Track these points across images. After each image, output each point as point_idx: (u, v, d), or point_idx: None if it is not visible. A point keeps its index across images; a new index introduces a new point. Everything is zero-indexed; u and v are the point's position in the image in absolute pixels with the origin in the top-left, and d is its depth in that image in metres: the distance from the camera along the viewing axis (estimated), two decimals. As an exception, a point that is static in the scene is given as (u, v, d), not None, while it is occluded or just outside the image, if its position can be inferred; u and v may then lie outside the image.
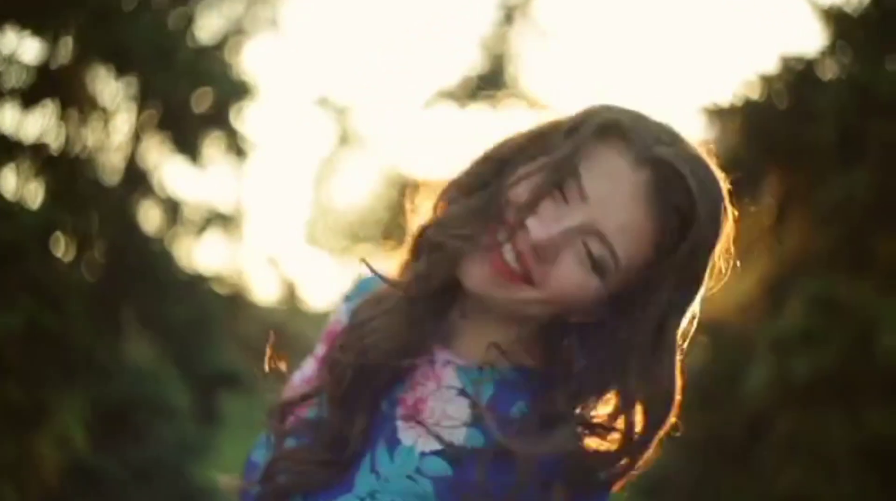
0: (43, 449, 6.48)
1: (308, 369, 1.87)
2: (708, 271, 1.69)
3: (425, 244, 1.72)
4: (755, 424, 7.64)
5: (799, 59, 8.24)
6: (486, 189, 1.70)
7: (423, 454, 1.65)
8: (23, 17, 7.57)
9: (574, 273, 1.64)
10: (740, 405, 7.64)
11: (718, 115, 8.15)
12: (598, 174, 1.65)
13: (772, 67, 8.26)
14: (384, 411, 1.70)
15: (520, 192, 1.66)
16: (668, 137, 1.70)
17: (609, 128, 1.67)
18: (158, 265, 9.54)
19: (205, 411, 9.47)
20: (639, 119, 1.69)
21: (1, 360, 6.39)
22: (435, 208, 1.75)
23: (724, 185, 1.71)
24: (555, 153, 1.67)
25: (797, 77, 8.19)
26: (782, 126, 7.95)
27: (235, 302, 11.64)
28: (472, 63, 22.38)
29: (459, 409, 1.67)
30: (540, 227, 1.64)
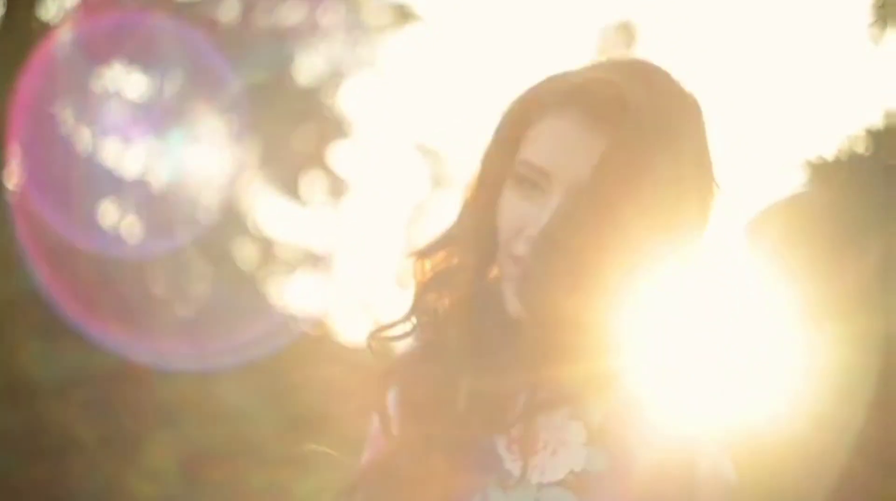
0: (135, 482, 6.64)
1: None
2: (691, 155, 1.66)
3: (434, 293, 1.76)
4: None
5: (908, 114, 8.24)
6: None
7: (541, 485, 1.65)
8: (129, 53, 7.82)
9: (591, 230, 1.62)
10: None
11: (822, 168, 8.18)
12: (540, 146, 1.66)
13: (878, 120, 8.27)
14: (486, 448, 1.69)
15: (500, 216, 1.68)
16: (576, 68, 1.71)
17: (525, 105, 1.71)
18: (252, 304, 9.72)
19: (295, 452, 9.58)
20: (543, 79, 1.72)
21: (95, 394, 6.57)
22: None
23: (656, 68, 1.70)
24: (495, 160, 1.71)
25: (906, 131, 8.19)
26: (889, 181, 7.95)
27: (324, 342, 11.76)
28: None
29: (574, 432, 1.66)
30: (533, 226, 1.64)
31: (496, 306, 1.69)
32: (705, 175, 1.70)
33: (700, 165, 1.69)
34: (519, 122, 1.71)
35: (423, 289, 1.77)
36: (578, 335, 1.65)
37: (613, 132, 1.62)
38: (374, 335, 1.81)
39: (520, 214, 1.67)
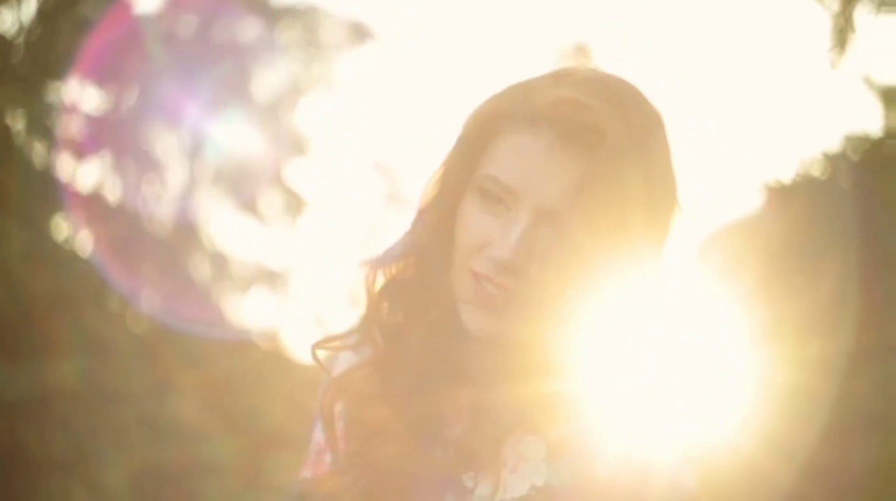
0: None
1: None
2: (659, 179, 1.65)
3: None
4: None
5: (865, 139, 8.30)
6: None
7: None
8: (86, 66, 7.83)
9: (556, 256, 1.61)
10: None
11: (779, 192, 8.23)
12: (507, 162, 1.62)
13: (836, 145, 8.34)
14: (442, 464, 1.67)
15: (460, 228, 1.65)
16: (544, 80, 1.67)
17: (490, 116, 1.66)
18: (207, 320, 9.72)
19: (252, 470, 9.60)
20: (510, 89, 1.68)
21: (48, 412, 6.55)
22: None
23: (623, 84, 1.67)
24: (456, 170, 1.67)
25: (863, 156, 8.25)
26: (846, 206, 8.01)
27: (279, 360, 11.76)
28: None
29: (533, 448, 1.66)
30: (497, 246, 1.62)
31: (451, 321, 1.68)
32: (671, 196, 1.69)
33: (667, 186, 1.69)
34: (483, 132, 1.67)
35: (376, 301, 1.74)
36: (536, 356, 1.65)
37: (589, 159, 1.61)
38: (321, 345, 1.77)
39: (482, 230, 1.64)
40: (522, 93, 1.66)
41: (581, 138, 1.61)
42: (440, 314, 1.70)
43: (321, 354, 1.80)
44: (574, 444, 1.65)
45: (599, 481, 1.62)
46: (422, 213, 1.73)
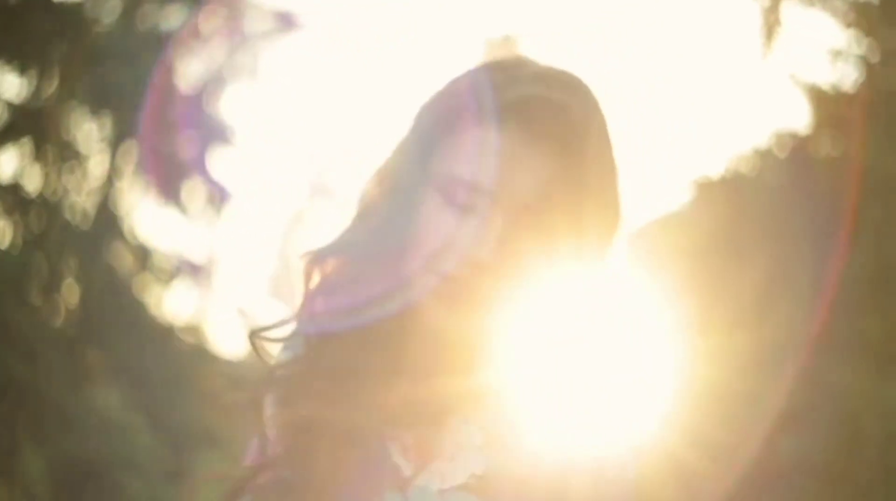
0: (5, 497, 6.56)
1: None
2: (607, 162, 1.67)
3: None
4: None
5: (792, 135, 8.40)
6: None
7: (441, 491, 1.65)
8: (6, 52, 7.73)
9: (529, 253, 1.62)
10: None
11: (707, 188, 8.31)
12: (472, 159, 1.62)
13: (765, 141, 8.43)
14: (381, 456, 1.67)
15: (424, 231, 1.64)
16: (501, 74, 1.66)
17: (446, 110, 1.65)
18: (129, 313, 9.65)
19: (174, 466, 9.55)
20: (464, 82, 1.66)
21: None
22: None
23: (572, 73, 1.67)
24: (410, 166, 1.66)
25: (790, 153, 8.35)
26: (774, 201, 8.10)
27: (202, 354, 11.70)
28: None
29: (472, 436, 1.67)
30: (470, 246, 1.61)
31: (389, 318, 1.68)
32: (619, 192, 1.70)
33: (616, 181, 1.69)
34: (439, 127, 1.66)
35: (313, 294, 1.71)
36: (476, 348, 1.66)
37: (557, 155, 1.62)
38: (257, 334, 1.74)
39: (449, 229, 1.63)
40: (482, 87, 1.65)
41: (550, 134, 1.62)
42: (378, 310, 1.69)
43: (253, 344, 1.78)
44: (512, 433, 1.66)
45: (538, 469, 1.63)
46: (369, 208, 1.71)
